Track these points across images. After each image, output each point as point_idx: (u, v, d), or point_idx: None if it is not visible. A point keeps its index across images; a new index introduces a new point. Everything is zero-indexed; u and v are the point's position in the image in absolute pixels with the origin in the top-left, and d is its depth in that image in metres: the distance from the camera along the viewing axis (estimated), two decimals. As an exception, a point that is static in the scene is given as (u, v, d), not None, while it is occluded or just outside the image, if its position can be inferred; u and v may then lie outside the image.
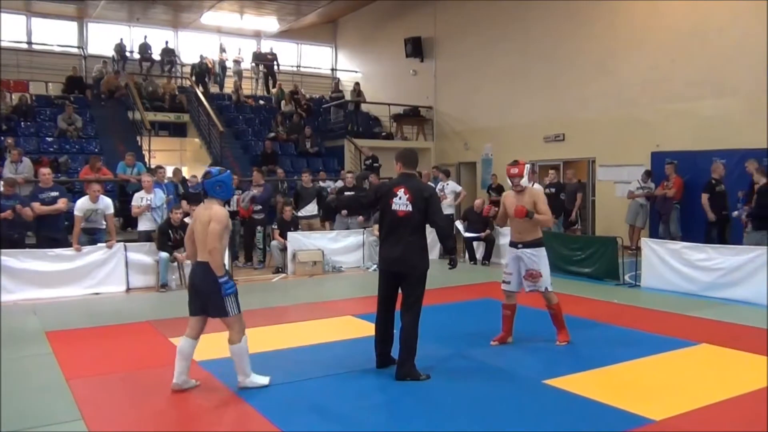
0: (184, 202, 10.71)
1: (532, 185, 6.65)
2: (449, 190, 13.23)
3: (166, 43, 20.68)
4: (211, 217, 4.77)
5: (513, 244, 6.21)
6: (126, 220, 11.92)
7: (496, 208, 6.68)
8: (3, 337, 6.55)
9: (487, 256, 11.93)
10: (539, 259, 6.09)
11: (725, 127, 11.74)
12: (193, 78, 19.60)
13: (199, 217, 4.90)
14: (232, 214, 11.62)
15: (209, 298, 4.84)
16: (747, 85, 11.54)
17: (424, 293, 5.37)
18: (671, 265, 8.99)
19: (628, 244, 11.71)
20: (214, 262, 4.74)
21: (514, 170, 6.14)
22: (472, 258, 12.19)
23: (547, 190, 12.51)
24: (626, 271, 9.86)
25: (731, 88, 11.77)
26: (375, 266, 8.05)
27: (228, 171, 5.09)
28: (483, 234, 12.02)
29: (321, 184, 13.69)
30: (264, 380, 4.98)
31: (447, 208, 13.00)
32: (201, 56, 20.11)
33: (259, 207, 11.70)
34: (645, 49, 13.28)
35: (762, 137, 11.03)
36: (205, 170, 5.13)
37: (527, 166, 6.23)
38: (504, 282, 6.27)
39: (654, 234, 11.85)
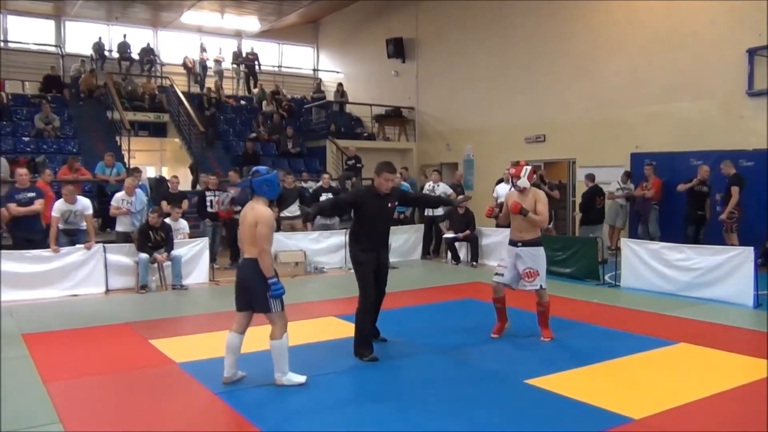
0: (164, 203, 10.61)
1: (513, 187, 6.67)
2: (440, 191, 13.21)
3: (148, 44, 20.49)
4: (257, 219, 4.86)
5: (513, 243, 6.33)
6: (105, 220, 11.79)
7: (498, 209, 6.74)
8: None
9: (474, 256, 11.96)
10: (538, 258, 6.22)
11: (702, 129, 11.90)
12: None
13: (245, 216, 4.97)
14: (213, 216, 11.57)
15: (254, 294, 4.95)
16: (723, 87, 11.70)
17: (359, 282, 5.90)
18: (650, 265, 9.09)
19: (608, 244, 11.83)
20: (264, 263, 4.85)
21: (512, 170, 6.36)
22: (455, 258, 12.22)
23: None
24: (606, 271, 9.95)
25: (708, 91, 11.94)
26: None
27: (275, 171, 5.20)
28: (462, 234, 12.05)
29: (303, 185, 13.64)
30: (301, 378, 5.01)
31: (437, 209, 13.01)
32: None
33: (239, 208, 11.61)
34: (624, 52, 13.41)
35: (737, 139, 11.21)
36: (252, 168, 5.19)
37: (527, 167, 6.29)
38: (497, 274, 6.39)
39: (633, 234, 11.98)
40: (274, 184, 5.05)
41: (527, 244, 6.21)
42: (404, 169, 14.62)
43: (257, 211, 4.90)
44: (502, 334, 6.46)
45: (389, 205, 6.01)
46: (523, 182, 6.26)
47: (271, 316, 4.97)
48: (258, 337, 6.68)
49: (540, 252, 6.25)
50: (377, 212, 5.89)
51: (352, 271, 6.09)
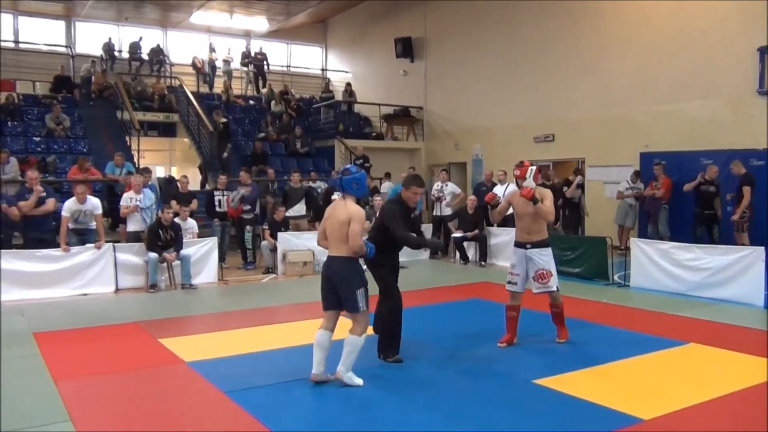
0: (173, 202, 10.66)
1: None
2: (448, 191, 13.22)
3: (158, 44, 20.57)
4: (350, 216, 4.88)
5: (520, 245, 6.15)
6: (115, 220, 11.85)
7: (499, 198, 6.67)
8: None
9: (483, 256, 11.93)
10: (548, 258, 6.09)
11: (712, 128, 11.84)
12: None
13: (335, 213, 5.01)
14: (222, 215, 11.62)
15: (343, 293, 4.99)
16: (733, 86, 11.63)
17: (385, 283, 5.83)
18: (660, 265, 9.04)
19: (617, 244, 11.78)
20: (358, 252, 4.96)
21: (517, 171, 6.20)
22: (464, 258, 12.20)
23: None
24: (615, 271, 9.91)
25: (718, 90, 11.87)
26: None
27: (363, 170, 5.30)
28: (470, 234, 12.03)
29: (312, 184, 13.65)
30: (359, 381, 5.00)
31: (445, 208, 13.02)
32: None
33: (248, 207, 11.68)
34: (633, 51, 13.36)
35: (747, 138, 11.14)
36: (343, 167, 5.30)
37: (531, 168, 6.16)
38: (509, 283, 6.20)
39: (643, 234, 11.92)
40: (362, 183, 5.15)
41: (536, 245, 6.08)
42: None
43: (350, 208, 4.94)
44: (509, 345, 6.17)
45: (412, 215, 6.07)
46: (529, 183, 6.14)
47: (356, 315, 5.00)
48: (267, 336, 6.72)
49: (549, 252, 6.14)
50: (408, 225, 5.89)
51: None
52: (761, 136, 11.03)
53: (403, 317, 5.80)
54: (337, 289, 5.01)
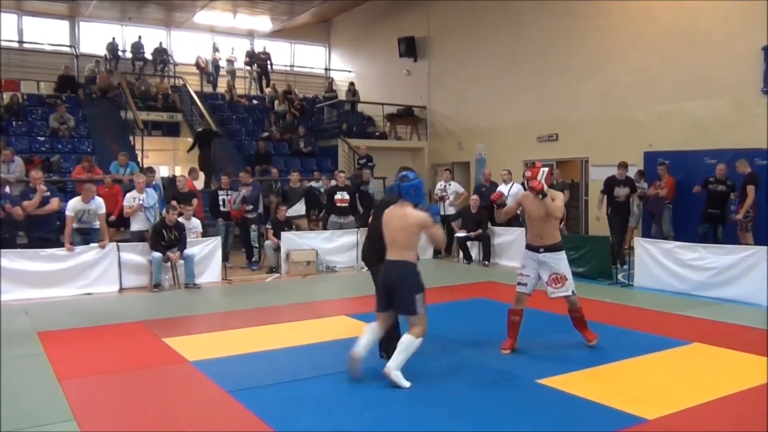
0: (173, 202, 10.67)
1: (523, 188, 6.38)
2: (452, 190, 13.21)
3: (160, 43, 20.60)
4: (419, 224, 5.07)
5: (533, 248, 5.99)
6: (119, 220, 11.87)
7: (506, 197, 6.57)
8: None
9: (486, 256, 11.92)
10: (562, 262, 5.95)
11: (716, 127, 11.81)
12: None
13: (394, 220, 5.13)
14: (226, 215, 11.64)
15: (401, 296, 5.08)
16: (737, 85, 11.60)
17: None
18: (664, 264, 9.02)
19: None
20: (414, 254, 5.17)
21: (528, 173, 6.07)
22: (467, 257, 12.19)
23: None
24: (619, 270, 9.89)
25: (721, 89, 11.83)
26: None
27: (420, 177, 5.43)
28: (474, 233, 12.03)
29: (314, 184, 13.66)
30: (406, 383, 4.98)
31: (448, 208, 13.01)
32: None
33: (251, 206, 11.70)
34: (636, 50, 13.33)
35: (751, 137, 11.10)
36: (400, 174, 5.37)
37: (543, 169, 6.02)
38: (519, 284, 6.05)
39: (647, 233, 11.90)
40: (420, 190, 5.27)
41: (549, 249, 5.93)
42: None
43: (414, 215, 5.07)
44: (512, 350, 6.01)
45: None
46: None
47: (413, 319, 5.08)
48: (270, 336, 6.73)
49: (563, 256, 6.00)
50: None
51: (365, 270, 6.02)
52: (765, 136, 11.00)
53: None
54: (396, 293, 5.09)
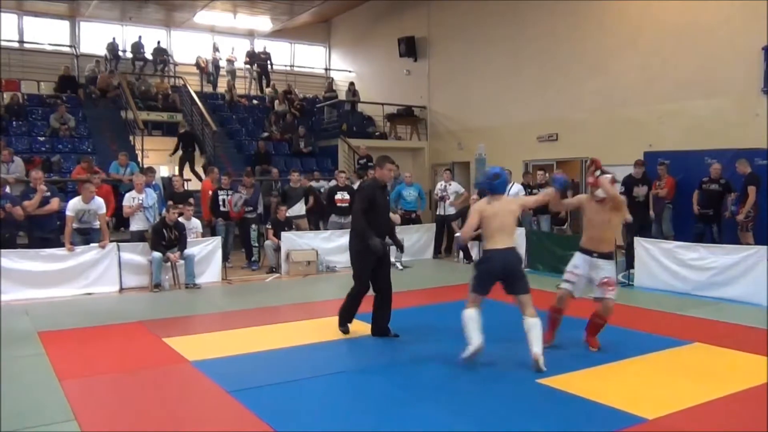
0: (170, 202, 10.67)
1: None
2: (452, 190, 13.21)
3: (158, 42, 20.58)
4: (519, 204, 6.04)
5: (587, 252, 6.00)
6: (119, 220, 11.88)
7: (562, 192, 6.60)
8: (-5, 338, 6.52)
9: (486, 256, 11.89)
10: (613, 268, 6.03)
11: (716, 127, 11.79)
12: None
13: (501, 210, 5.61)
14: (226, 215, 11.64)
15: (519, 278, 5.56)
16: (738, 85, 11.59)
17: (357, 268, 6.62)
18: (664, 264, 9.03)
19: (621, 243, 11.74)
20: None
21: (590, 180, 6.10)
22: (467, 257, 12.19)
23: (536, 191, 12.56)
24: (618, 270, 9.87)
25: (722, 89, 11.82)
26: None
27: (505, 171, 6.03)
28: (474, 233, 12.00)
29: (314, 184, 13.66)
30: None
31: (449, 208, 13.02)
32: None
33: (251, 207, 11.73)
34: (637, 50, 13.32)
35: (752, 137, 11.10)
36: (492, 172, 5.88)
37: (606, 176, 5.99)
38: (566, 281, 6.05)
39: (647, 233, 11.87)
40: (505, 182, 5.94)
41: (603, 256, 5.93)
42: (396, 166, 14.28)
43: (510, 199, 5.98)
44: (548, 345, 6.00)
45: (386, 196, 6.83)
46: (602, 193, 5.95)
47: (527, 297, 5.49)
48: (271, 335, 6.73)
49: (614, 263, 6.09)
50: (383, 203, 6.62)
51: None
52: (765, 136, 10.99)
53: (390, 314, 6.60)
54: (515, 277, 5.53)
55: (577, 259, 6.05)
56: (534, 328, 5.38)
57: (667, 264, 8.98)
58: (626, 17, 13.61)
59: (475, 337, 5.42)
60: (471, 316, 5.53)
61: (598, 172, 6.00)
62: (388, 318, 6.59)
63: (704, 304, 8.03)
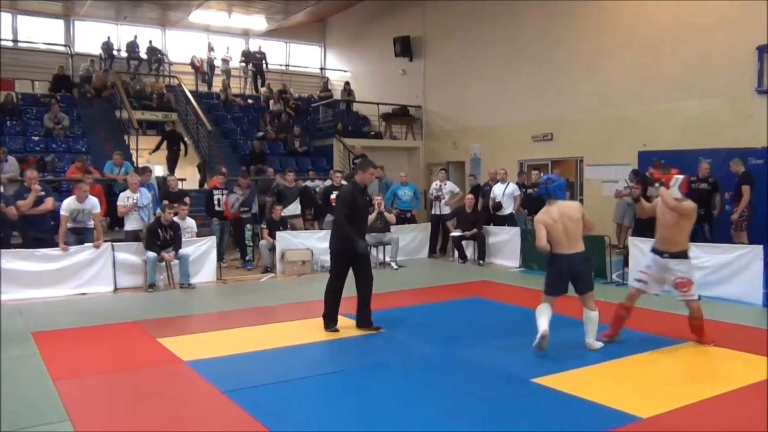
0: (165, 202, 10.65)
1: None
2: (447, 190, 13.22)
3: (150, 42, 20.51)
4: (581, 211, 5.99)
5: (658, 252, 6.11)
6: (113, 219, 11.86)
7: (639, 193, 6.81)
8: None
9: (481, 255, 11.94)
10: (686, 268, 6.02)
11: (710, 126, 11.84)
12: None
13: (565, 215, 5.86)
14: (220, 215, 11.62)
15: (585, 278, 5.97)
16: (732, 85, 11.64)
17: (334, 265, 6.90)
18: (658, 263, 9.03)
19: (615, 242, 11.77)
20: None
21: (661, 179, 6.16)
22: (462, 257, 12.21)
23: (531, 190, 12.60)
24: (614, 269, 9.91)
25: (716, 89, 11.87)
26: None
27: (561, 178, 6.37)
28: (469, 233, 12.04)
29: (309, 183, 13.65)
30: (599, 344, 5.95)
31: (444, 207, 13.03)
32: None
33: (246, 208, 11.72)
34: (631, 50, 13.36)
35: (746, 137, 11.15)
36: (546, 177, 6.30)
37: (678, 177, 6.01)
38: (637, 280, 6.30)
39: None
40: (564, 187, 6.23)
41: (674, 255, 5.99)
42: (380, 168, 14.19)
43: (573, 205, 6.03)
44: (609, 339, 6.17)
45: (367, 198, 7.14)
46: (674, 192, 6.00)
47: (586, 295, 5.92)
48: (265, 335, 6.72)
49: (688, 263, 6.06)
50: (363, 205, 6.92)
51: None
52: (760, 135, 11.04)
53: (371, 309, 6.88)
54: (580, 278, 5.92)
55: (649, 260, 6.26)
56: (588, 321, 5.90)
57: (662, 263, 8.98)
58: (621, 18, 13.66)
59: (541, 325, 5.76)
60: (541, 308, 5.90)
61: (657, 185, 6.19)
62: (369, 307, 6.85)
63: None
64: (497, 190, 12.50)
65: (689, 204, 6.01)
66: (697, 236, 10.39)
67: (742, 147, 11.04)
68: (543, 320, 5.80)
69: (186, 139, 16.16)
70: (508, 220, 12.35)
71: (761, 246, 8.10)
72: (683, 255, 6.03)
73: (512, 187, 12.46)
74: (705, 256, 8.51)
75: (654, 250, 6.17)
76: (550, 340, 6.23)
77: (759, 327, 6.82)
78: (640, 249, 9.33)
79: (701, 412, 4.43)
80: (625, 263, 9.90)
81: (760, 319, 7.09)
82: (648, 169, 6.35)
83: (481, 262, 11.87)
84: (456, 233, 12.29)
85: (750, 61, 11.31)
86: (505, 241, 11.82)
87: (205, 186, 12.41)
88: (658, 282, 6.16)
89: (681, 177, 6.03)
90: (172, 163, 15.48)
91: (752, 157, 10.90)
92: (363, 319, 6.85)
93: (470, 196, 12.71)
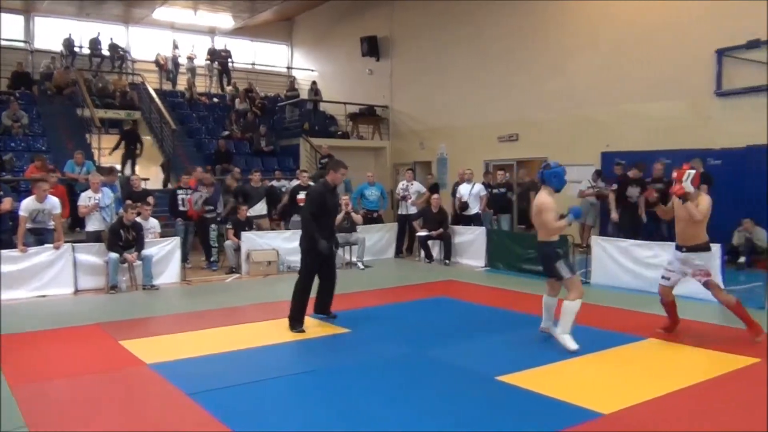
0: (128, 201, 10.49)
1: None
2: (413, 190, 13.25)
3: (111, 39, 20.15)
4: (539, 208, 5.94)
5: (678, 247, 6.36)
6: (74, 220, 11.62)
7: (657, 194, 7.23)
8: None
9: (447, 254, 12.00)
10: (705, 261, 6.24)
11: (672, 128, 12.09)
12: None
13: (534, 204, 6.04)
14: (185, 215, 11.47)
15: (545, 266, 6.10)
16: (694, 88, 11.89)
17: (304, 264, 6.96)
18: (620, 262, 9.21)
19: (578, 242, 11.95)
20: (554, 231, 5.99)
21: (674, 174, 6.26)
22: (428, 256, 12.26)
23: (496, 190, 12.72)
24: (577, 268, 10.02)
25: (678, 91, 12.11)
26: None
27: (563, 166, 6.13)
28: (435, 233, 12.10)
29: (275, 183, 13.56)
30: (573, 346, 5.73)
31: (411, 207, 13.06)
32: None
33: (211, 207, 11.57)
34: (597, 51, 13.57)
35: (705, 138, 11.41)
36: (545, 163, 6.19)
37: (690, 171, 6.10)
38: (663, 278, 6.48)
39: (603, 232, 12.11)
40: (561, 176, 6.06)
41: (691, 249, 6.22)
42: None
43: (541, 199, 5.96)
44: (671, 331, 6.48)
45: (335, 198, 7.24)
46: (687, 187, 6.10)
47: (565, 282, 5.93)
48: (230, 337, 6.66)
49: (707, 255, 6.27)
50: (333, 205, 7.05)
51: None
52: (718, 137, 11.32)
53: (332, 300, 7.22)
54: (543, 265, 6.11)
55: (671, 257, 6.50)
56: (563, 310, 5.87)
57: (623, 262, 9.16)
58: (586, 19, 13.86)
59: (544, 319, 6.15)
60: (544, 302, 6.28)
61: (681, 200, 6.19)
62: (331, 298, 7.20)
63: (659, 301, 8.19)
64: (463, 190, 12.58)
65: (705, 207, 6.16)
66: (654, 236, 10.61)
67: (702, 148, 11.30)
68: (544, 312, 6.30)
69: (146, 137, 15.93)
70: (474, 220, 12.44)
71: (719, 245, 8.27)
72: (700, 248, 6.26)
73: (478, 187, 12.55)
74: (665, 255, 8.65)
75: (675, 246, 6.43)
76: (515, 337, 6.34)
77: (717, 324, 6.99)
78: (603, 248, 9.50)
79: (661, 407, 4.53)
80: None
81: (718, 316, 7.27)
82: (672, 170, 6.44)
83: (447, 261, 11.94)
84: (422, 233, 12.33)
85: (709, 64, 11.58)
86: (470, 240, 11.90)
87: (174, 185, 12.19)
88: (682, 274, 6.41)
89: (693, 171, 6.16)
90: (126, 161, 15.22)
91: (711, 157, 11.17)
92: (322, 306, 7.18)
93: (436, 195, 12.76)
